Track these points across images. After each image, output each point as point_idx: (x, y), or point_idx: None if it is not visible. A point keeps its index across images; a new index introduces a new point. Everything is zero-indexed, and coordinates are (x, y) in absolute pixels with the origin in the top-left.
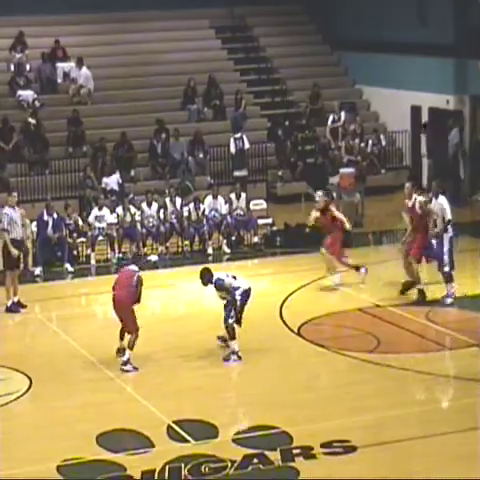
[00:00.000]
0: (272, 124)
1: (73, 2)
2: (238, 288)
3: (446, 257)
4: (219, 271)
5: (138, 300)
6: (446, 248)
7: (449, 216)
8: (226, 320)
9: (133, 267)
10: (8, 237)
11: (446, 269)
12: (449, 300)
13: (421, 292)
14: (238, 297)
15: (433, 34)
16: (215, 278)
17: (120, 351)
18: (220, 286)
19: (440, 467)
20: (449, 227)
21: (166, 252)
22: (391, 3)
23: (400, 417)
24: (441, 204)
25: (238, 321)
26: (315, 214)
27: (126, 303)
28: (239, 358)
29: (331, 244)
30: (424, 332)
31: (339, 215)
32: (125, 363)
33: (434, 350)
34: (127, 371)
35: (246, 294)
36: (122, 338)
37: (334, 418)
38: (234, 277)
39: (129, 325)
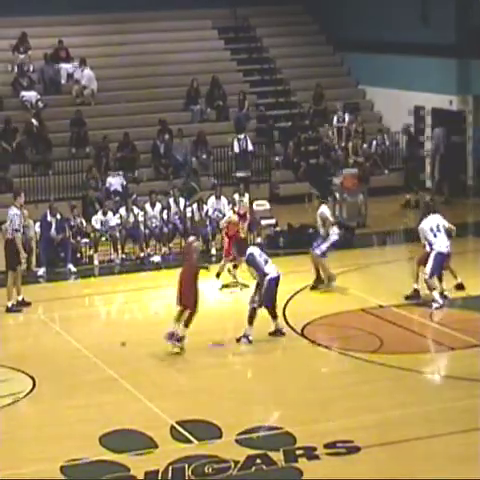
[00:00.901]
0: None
1: (76, 3)
2: (267, 274)
3: (428, 265)
4: (254, 248)
5: (195, 267)
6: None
7: (423, 241)
8: (250, 302)
9: (191, 238)
10: (19, 237)
11: (426, 277)
12: (435, 305)
13: (416, 292)
14: (265, 283)
15: (435, 34)
16: (248, 252)
17: (171, 335)
18: (250, 261)
19: (443, 467)
20: (432, 242)
21: (169, 253)
22: (394, 4)
23: (403, 417)
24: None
25: (273, 308)
26: (234, 217)
27: (187, 273)
28: (249, 342)
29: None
30: (427, 332)
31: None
32: (178, 340)
33: (437, 350)
34: (179, 348)
35: (274, 282)
36: (179, 319)
37: (337, 418)
38: (266, 261)
39: (189, 300)
